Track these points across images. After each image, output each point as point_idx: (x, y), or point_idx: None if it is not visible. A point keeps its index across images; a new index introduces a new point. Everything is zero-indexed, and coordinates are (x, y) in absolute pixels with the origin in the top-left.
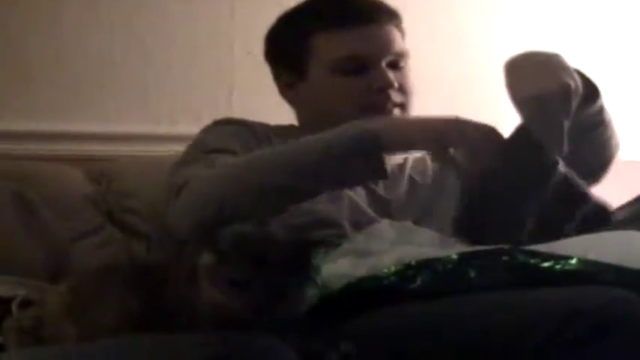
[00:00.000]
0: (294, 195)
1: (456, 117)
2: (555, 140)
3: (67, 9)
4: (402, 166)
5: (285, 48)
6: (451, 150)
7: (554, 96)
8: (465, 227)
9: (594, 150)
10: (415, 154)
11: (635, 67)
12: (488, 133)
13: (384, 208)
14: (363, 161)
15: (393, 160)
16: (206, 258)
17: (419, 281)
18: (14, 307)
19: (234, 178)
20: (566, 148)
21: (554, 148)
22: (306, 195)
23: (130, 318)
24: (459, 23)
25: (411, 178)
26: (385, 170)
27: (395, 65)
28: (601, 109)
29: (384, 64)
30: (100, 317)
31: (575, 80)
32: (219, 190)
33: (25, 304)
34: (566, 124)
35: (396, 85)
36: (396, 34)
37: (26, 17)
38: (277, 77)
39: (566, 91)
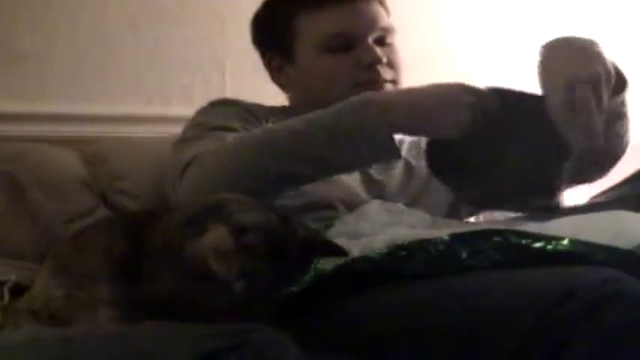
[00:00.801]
0: (298, 179)
1: (460, 86)
2: (583, 132)
3: None
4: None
5: (271, 32)
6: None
7: (584, 85)
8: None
9: (611, 142)
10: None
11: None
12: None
13: (378, 191)
14: (372, 143)
15: None
16: (226, 243)
17: (411, 262)
18: (6, 291)
19: (239, 160)
20: (600, 140)
21: (581, 140)
22: (310, 179)
23: (117, 260)
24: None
25: (406, 161)
26: (398, 149)
27: (381, 41)
28: (624, 102)
29: (370, 40)
30: (84, 268)
31: (607, 69)
32: (226, 169)
33: (17, 288)
34: (598, 114)
35: (384, 60)
36: (380, 10)
37: (17, 1)
38: (267, 63)
39: (596, 80)
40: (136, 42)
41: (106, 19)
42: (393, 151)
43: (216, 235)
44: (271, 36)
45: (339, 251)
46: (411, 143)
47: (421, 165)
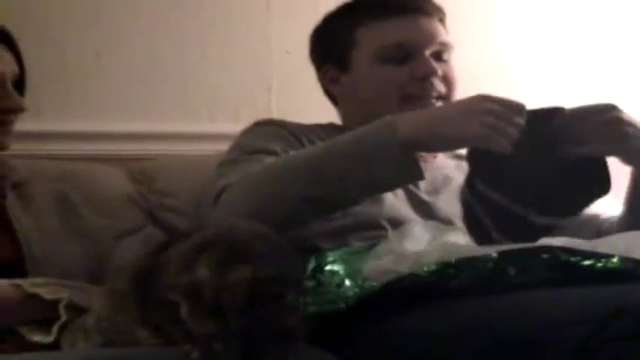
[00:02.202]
0: (324, 204)
1: (481, 95)
2: None
3: (106, 9)
4: (446, 175)
5: (331, 44)
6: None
7: None
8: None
9: None
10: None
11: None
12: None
13: (426, 212)
14: (390, 163)
15: (438, 170)
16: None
17: (459, 280)
18: (61, 309)
19: (263, 187)
20: None
21: None
22: (334, 204)
23: (138, 278)
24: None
25: (447, 177)
26: (420, 170)
27: (438, 57)
28: None
29: (427, 53)
30: (120, 287)
31: None
32: (252, 198)
33: (71, 306)
34: None
35: (439, 72)
36: (439, 26)
37: (65, 17)
38: (322, 75)
39: None
40: (183, 60)
41: (152, 39)
42: (413, 171)
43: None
44: (330, 48)
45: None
46: (449, 158)
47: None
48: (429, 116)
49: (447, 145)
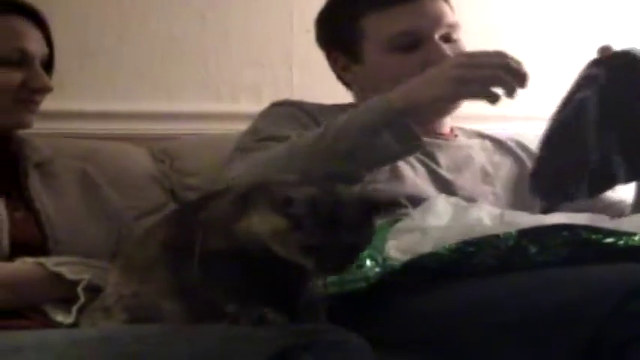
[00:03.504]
0: (343, 179)
1: (460, 53)
2: None
3: None
4: (468, 154)
5: (337, 32)
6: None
7: None
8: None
9: None
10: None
11: None
12: (500, 53)
13: (447, 190)
14: (392, 134)
15: (459, 149)
16: (278, 223)
17: (480, 258)
18: (80, 290)
19: (273, 166)
20: None
21: None
22: (354, 177)
23: (169, 242)
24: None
25: (484, 168)
26: (419, 138)
27: (448, 38)
28: None
29: (437, 37)
30: (146, 263)
31: None
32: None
33: (91, 287)
34: None
35: (452, 55)
36: (445, 6)
37: (88, 1)
38: (333, 62)
39: None
40: (205, 40)
41: (174, 20)
42: (411, 138)
43: (267, 217)
44: (337, 36)
45: (395, 203)
46: (487, 150)
47: (499, 175)
48: (412, 84)
49: (429, 106)
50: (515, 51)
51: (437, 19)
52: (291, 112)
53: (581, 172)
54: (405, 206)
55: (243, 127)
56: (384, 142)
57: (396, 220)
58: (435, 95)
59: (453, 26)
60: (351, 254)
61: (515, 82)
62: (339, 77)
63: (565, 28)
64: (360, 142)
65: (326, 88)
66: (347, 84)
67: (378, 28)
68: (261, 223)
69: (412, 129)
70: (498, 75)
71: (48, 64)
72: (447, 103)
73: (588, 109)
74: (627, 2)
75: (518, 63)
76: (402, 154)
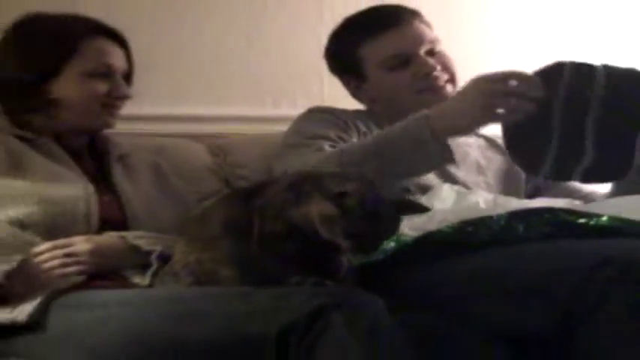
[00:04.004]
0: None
1: (477, 76)
2: None
3: (187, 13)
4: (465, 151)
5: (343, 61)
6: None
7: None
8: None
9: None
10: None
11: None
12: (515, 73)
13: (450, 180)
14: (429, 152)
15: (458, 147)
16: (330, 211)
17: (476, 235)
18: (153, 258)
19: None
20: None
21: None
22: (389, 182)
23: (230, 222)
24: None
25: (477, 162)
26: (451, 153)
27: (432, 52)
28: None
29: (422, 53)
30: (207, 235)
31: None
32: None
33: (163, 256)
34: None
35: (438, 67)
36: (423, 27)
37: (150, 19)
38: (346, 84)
39: None
40: (251, 55)
41: (224, 38)
42: (445, 155)
43: (321, 205)
44: (343, 64)
45: (422, 208)
46: (481, 148)
47: (491, 167)
48: (449, 110)
49: (464, 131)
50: (513, 54)
51: (419, 39)
52: (326, 117)
53: (544, 152)
54: (414, 193)
55: (282, 128)
56: (422, 159)
57: None
58: (468, 123)
59: (433, 41)
60: (380, 240)
61: (531, 104)
62: (353, 95)
63: (564, 30)
64: (401, 158)
65: (350, 96)
66: (360, 100)
67: (373, 53)
68: (316, 209)
69: (449, 148)
70: (521, 104)
71: (128, 77)
72: (477, 127)
73: (553, 107)
74: (623, 6)
75: (530, 80)
76: (436, 168)
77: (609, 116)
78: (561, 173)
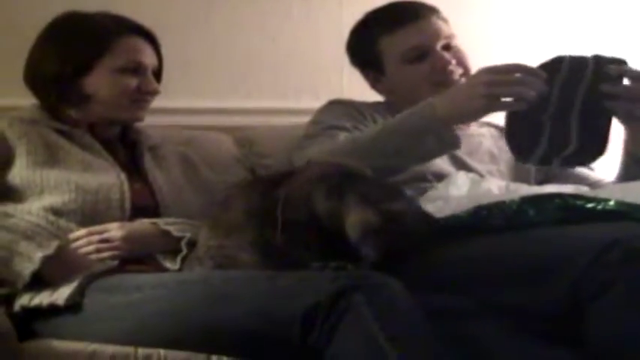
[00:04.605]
0: (383, 171)
1: (484, 67)
2: None
3: (215, 11)
4: (479, 141)
5: (363, 55)
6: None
7: None
8: None
9: None
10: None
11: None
12: (519, 66)
13: (464, 168)
14: (435, 137)
15: (472, 137)
16: (372, 220)
17: (490, 219)
18: (183, 244)
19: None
20: None
21: None
22: (392, 171)
23: (252, 210)
24: None
25: (490, 151)
26: (457, 138)
27: (448, 47)
28: None
29: (439, 47)
30: (229, 222)
31: None
32: None
33: (192, 242)
34: None
35: (453, 61)
36: (440, 22)
37: (184, 19)
38: (366, 77)
39: None
40: (275, 55)
41: (251, 38)
42: (452, 141)
43: (365, 213)
44: (363, 58)
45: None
46: (494, 137)
47: (502, 157)
48: (454, 97)
49: (469, 118)
50: (514, 49)
51: (435, 34)
52: (344, 108)
53: (536, 142)
54: (430, 181)
55: (304, 120)
56: (429, 143)
57: (426, 190)
58: (472, 111)
59: (449, 37)
60: (403, 253)
61: (532, 93)
62: (373, 87)
63: (563, 31)
64: (408, 142)
65: (368, 88)
66: (379, 92)
67: (391, 47)
68: (360, 217)
69: (454, 134)
70: (521, 91)
71: (158, 73)
72: (480, 115)
73: (550, 99)
74: (622, 6)
75: (533, 72)
76: (442, 153)
77: (591, 105)
78: (545, 160)
